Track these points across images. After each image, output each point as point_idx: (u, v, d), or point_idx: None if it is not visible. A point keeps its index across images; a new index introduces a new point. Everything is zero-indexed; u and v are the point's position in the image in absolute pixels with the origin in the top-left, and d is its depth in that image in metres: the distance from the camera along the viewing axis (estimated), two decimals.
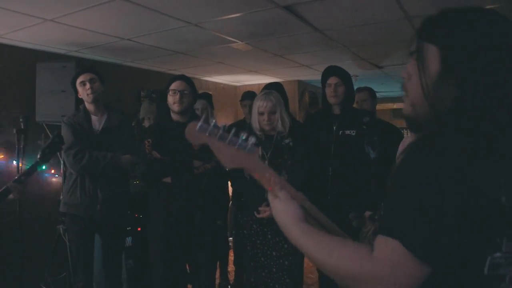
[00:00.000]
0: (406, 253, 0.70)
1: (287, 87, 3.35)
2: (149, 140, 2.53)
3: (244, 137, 0.94)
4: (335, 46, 3.90)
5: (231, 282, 3.80)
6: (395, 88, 6.41)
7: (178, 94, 2.53)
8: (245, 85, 6.43)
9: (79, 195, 2.68)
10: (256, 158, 0.96)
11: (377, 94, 3.80)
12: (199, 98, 3.19)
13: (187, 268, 2.77)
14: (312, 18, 3.03)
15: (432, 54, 0.81)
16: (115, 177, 2.72)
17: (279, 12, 2.81)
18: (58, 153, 2.78)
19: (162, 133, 2.57)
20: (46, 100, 3.45)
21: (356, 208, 2.59)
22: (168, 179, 2.49)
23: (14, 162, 2.78)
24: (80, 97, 2.81)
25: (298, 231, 0.89)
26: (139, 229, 3.41)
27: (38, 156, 2.24)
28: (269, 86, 2.91)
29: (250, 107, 3.16)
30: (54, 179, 3.64)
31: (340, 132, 2.67)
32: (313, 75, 5.47)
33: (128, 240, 3.32)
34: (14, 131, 2.51)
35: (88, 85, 2.72)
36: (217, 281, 3.48)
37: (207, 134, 0.93)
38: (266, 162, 2.54)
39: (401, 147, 1.94)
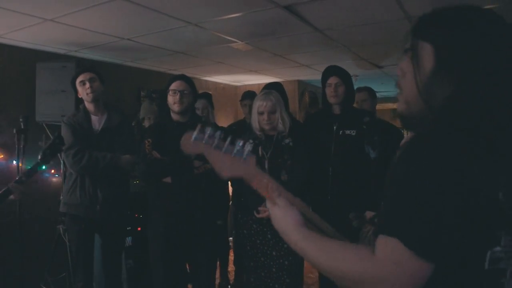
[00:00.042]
0: (407, 251, 0.69)
1: (287, 87, 3.34)
2: (149, 140, 2.52)
3: (240, 145, 0.94)
4: (335, 46, 3.90)
5: (231, 282, 3.80)
6: (395, 88, 6.40)
7: (178, 94, 2.52)
8: (245, 85, 6.43)
9: (79, 195, 2.68)
10: (253, 165, 0.96)
11: (377, 94, 3.80)
12: (199, 98, 3.19)
13: (187, 268, 2.77)
14: (312, 18, 3.02)
15: (427, 52, 0.81)
16: (115, 177, 2.72)
17: (279, 12, 2.81)
18: (58, 154, 2.78)
19: (162, 133, 2.56)
20: (46, 100, 3.45)
21: (356, 208, 2.59)
22: (168, 179, 2.49)
23: (14, 162, 2.78)
24: (80, 96, 2.81)
25: (299, 236, 0.89)
26: (139, 229, 3.40)
27: (39, 157, 2.25)
28: (269, 86, 2.91)
29: (250, 107, 3.16)
30: (54, 179, 3.65)
31: (340, 132, 2.67)
32: (313, 75, 5.47)
33: (128, 240, 3.32)
34: (14, 131, 2.51)
35: (87, 85, 2.72)
36: (217, 281, 3.48)
37: (202, 144, 0.94)
38: (266, 162, 2.54)
39: None
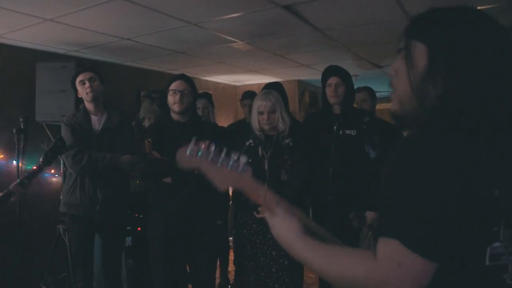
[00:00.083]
0: (407, 251, 0.70)
1: (287, 86, 3.34)
2: (149, 140, 2.52)
3: (235, 158, 0.95)
4: (335, 46, 3.90)
5: (231, 282, 3.80)
6: None
7: (178, 94, 2.52)
8: (245, 85, 6.43)
9: (78, 195, 2.67)
10: (249, 177, 0.97)
11: (377, 94, 3.80)
12: (199, 98, 3.19)
13: (187, 268, 2.77)
14: (312, 18, 3.02)
15: (420, 51, 0.82)
16: (114, 178, 2.72)
17: (279, 12, 2.81)
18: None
19: (162, 133, 2.56)
20: (45, 100, 3.44)
21: (356, 208, 2.59)
22: (168, 179, 2.49)
23: (14, 162, 2.79)
24: (80, 96, 2.80)
25: (300, 244, 0.89)
26: (139, 229, 3.40)
27: (41, 160, 2.25)
28: (269, 86, 2.91)
29: (250, 106, 3.16)
30: (54, 179, 3.65)
31: (341, 132, 2.67)
32: (313, 75, 5.47)
33: (128, 240, 3.32)
34: (14, 131, 2.51)
35: (87, 84, 2.71)
36: (217, 281, 3.48)
37: (197, 159, 0.95)
38: (266, 162, 2.54)
39: None
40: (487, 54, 0.78)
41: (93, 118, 2.78)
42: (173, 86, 2.55)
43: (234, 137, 2.92)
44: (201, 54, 4.19)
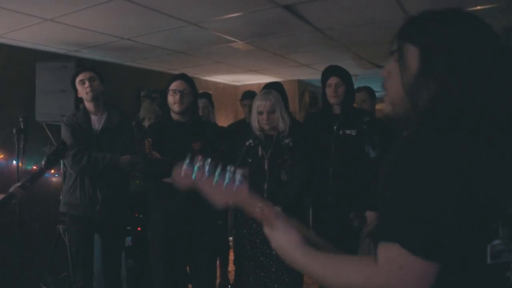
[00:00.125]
0: (407, 253, 0.70)
1: (287, 86, 3.34)
2: (149, 139, 2.52)
3: (230, 173, 0.96)
4: (335, 46, 3.90)
5: (231, 282, 3.80)
6: None
7: (178, 94, 2.51)
8: (245, 85, 6.43)
9: (78, 195, 2.67)
10: (245, 193, 0.98)
11: (377, 94, 3.80)
12: (199, 98, 3.19)
13: (187, 268, 2.77)
14: (312, 18, 3.02)
15: (412, 53, 0.83)
16: (114, 178, 2.72)
17: (279, 12, 2.81)
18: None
19: (162, 133, 2.56)
20: (45, 100, 3.44)
21: (356, 208, 2.59)
22: (168, 179, 2.49)
23: (14, 162, 2.78)
24: (79, 96, 2.80)
25: (301, 254, 0.89)
26: (139, 229, 3.40)
27: (43, 163, 2.25)
28: (268, 86, 2.91)
29: (250, 106, 3.16)
30: (54, 179, 3.65)
31: (341, 132, 2.67)
32: (313, 75, 5.47)
33: (128, 239, 3.32)
34: (14, 131, 2.51)
35: (87, 83, 2.71)
36: (217, 281, 3.48)
37: (193, 178, 0.96)
38: (266, 162, 2.54)
39: None
40: (484, 54, 0.79)
41: (93, 118, 2.78)
42: (173, 86, 2.55)
43: (234, 137, 2.92)
44: (201, 54, 4.19)
